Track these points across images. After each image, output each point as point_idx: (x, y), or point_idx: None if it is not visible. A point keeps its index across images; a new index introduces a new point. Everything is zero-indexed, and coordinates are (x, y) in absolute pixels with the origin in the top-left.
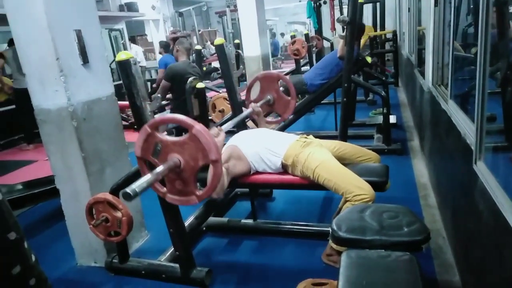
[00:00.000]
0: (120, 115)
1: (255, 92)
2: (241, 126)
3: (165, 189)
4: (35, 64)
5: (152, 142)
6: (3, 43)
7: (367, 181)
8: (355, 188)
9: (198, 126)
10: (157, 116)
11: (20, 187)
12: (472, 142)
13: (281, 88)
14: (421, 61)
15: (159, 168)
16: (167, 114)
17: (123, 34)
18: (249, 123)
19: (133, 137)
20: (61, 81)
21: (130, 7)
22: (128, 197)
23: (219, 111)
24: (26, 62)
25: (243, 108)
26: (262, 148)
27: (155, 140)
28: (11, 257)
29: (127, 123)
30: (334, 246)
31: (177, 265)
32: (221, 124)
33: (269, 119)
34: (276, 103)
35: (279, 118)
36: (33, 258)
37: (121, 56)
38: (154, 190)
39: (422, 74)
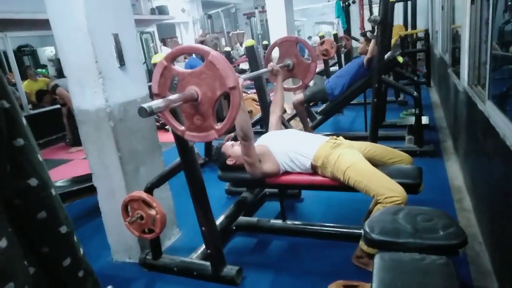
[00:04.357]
0: (154, 116)
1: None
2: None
3: (183, 127)
4: (75, 67)
5: (169, 76)
6: (41, 46)
7: (399, 183)
8: (386, 190)
9: (214, 53)
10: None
11: (59, 184)
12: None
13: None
14: (455, 61)
15: (175, 96)
16: (183, 44)
17: (154, 37)
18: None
19: (165, 138)
20: (99, 83)
21: (161, 11)
22: (144, 112)
23: (248, 112)
24: (67, 66)
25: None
26: (292, 148)
27: (172, 73)
28: (62, 250)
29: (158, 124)
30: (365, 248)
31: (208, 263)
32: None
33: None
34: (296, 68)
35: (298, 85)
36: (81, 251)
37: (156, 58)
38: (173, 129)
39: (457, 74)
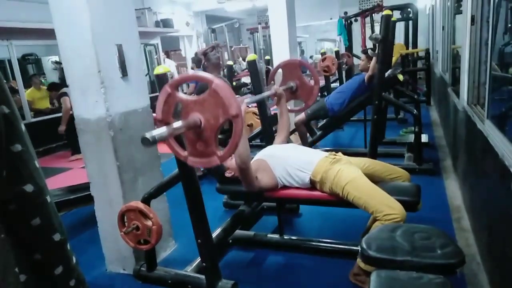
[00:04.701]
0: (154, 127)
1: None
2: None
3: (186, 152)
4: (78, 75)
5: (173, 103)
6: (45, 56)
7: (398, 200)
8: (385, 207)
9: (217, 81)
10: None
11: (56, 192)
12: (510, 164)
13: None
14: (455, 80)
15: (179, 123)
16: (188, 72)
17: (158, 49)
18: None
19: (165, 149)
20: (101, 93)
21: (166, 24)
22: (147, 142)
23: (248, 125)
24: (70, 74)
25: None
26: (290, 163)
27: (176, 100)
28: (55, 258)
29: None
30: (362, 265)
31: (203, 277)
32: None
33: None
34: (299, 90)
35: (300, 107)
36: (74, 259)
37: (159, 70)
38: (176, 154)
39: (456, 93)
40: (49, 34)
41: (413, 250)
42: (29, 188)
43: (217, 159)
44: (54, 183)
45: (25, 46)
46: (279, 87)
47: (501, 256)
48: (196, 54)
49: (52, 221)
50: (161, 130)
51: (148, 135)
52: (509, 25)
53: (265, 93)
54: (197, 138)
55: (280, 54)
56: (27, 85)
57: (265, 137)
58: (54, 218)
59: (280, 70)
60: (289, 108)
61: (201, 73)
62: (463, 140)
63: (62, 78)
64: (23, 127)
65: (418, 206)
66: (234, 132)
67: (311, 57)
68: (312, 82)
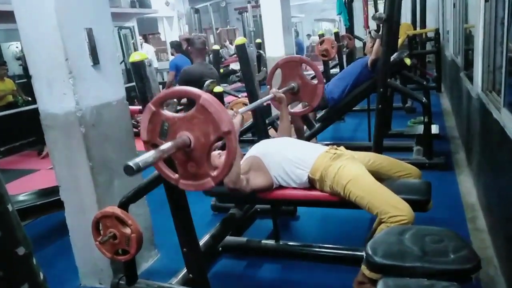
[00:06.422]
0: (131, 122)
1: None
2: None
3: (177, 175)
4: (42, 65)
5: (159, 122)
6: (5, 42)
7: (406, 199)
8: (391, 208)
9: (205, 95)
10: None
11: (21, 198)
12: None
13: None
14: (468, 64)
15: (166, 145)
16: (173, 87)
17: (134, 33)
18: (271, 131)
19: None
20: (69, 84)
21: (142, 3)
22: (130, 171)
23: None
24: (33, 63)
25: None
26: (286, 159)
27: (161, 118)
28: (19, 274)
29: (137, 130)
30: (367, 273)
31: None
32: (241, 133)
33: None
34: (301, 91)
35: (304, 108)
36: (42, 275)
37: (135, 56)
38: (166, 178)
39: (470, 78)
40: (8, 16)
41: (424, 255)
42: None
43: (211, 180)
44: (18, 187)
45: None
46: (279, 90)
47: None
48: (179, 38)
49: (14, 233)
50: (147, 156)
51: (131, 163)
52: None
53: (262, 99)
54: (188, 158)
55: (273, 36)
56: None
57: (257, 131)
58: (17, 230)
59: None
60: (291, 110)
61: (187, 88)
62: (477, 131)
63: (26, 67)
64: None
65: (428, 206)
66: (228, 150)
67: (308, 35)
68: (315, 81)
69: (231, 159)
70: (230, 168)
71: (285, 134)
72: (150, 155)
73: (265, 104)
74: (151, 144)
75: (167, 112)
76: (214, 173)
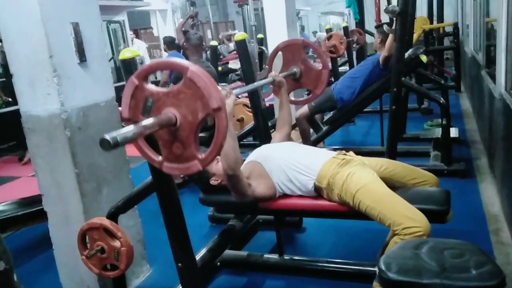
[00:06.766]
0: (121, 124)
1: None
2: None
3: (160, 157)
4: (24, 62)
5: (142, 97)
6: None
7: (422, 209)
8: (405, 219)
9: (194, 68)
10: None
11: (1, 208)
12: None
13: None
14: (490, 61)
15: (149, 120)
16: (158, 59)
17: (124, 27)
18: (273, 134)
19: (134, 151)
20: (54, 83)
21: None
22: (106, 145)
23: (238, 120)
24: (14, 60)
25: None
26: (290, 166)
27: (145, 93)
28: None
29: None
30: None
31: None
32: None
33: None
34: (304, 77)
35: (306, 97)
36: None
37: (126, 53)
38: (148, 160)
39: (492, 76)
40: None
41: (443, 271)
42: None
43: (198, 163)
44: None
45: None
46: (278, 74)
47: None
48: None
49: None
50: (126, 130)
51: (108, 136)
52: None
53: (260, 82)
54: (173, 138)
55: (276, 31)
56: None
57: (259, 134)
58: None
59: (279, 53)
60: (292, 99)
61: (174, 60)
62: (501, 135)
63: (6, 65)
64: None
65: (447, 217)
66: (217, 129)
67: (314, 33)
68: (319, 66)
69: (220, 139)
70: (219, 149)
71: (285, 124)
72: (130, 129)
73: (266, 105)
74: (132, 122)
75: (151, 87)
76: (202, 155)
